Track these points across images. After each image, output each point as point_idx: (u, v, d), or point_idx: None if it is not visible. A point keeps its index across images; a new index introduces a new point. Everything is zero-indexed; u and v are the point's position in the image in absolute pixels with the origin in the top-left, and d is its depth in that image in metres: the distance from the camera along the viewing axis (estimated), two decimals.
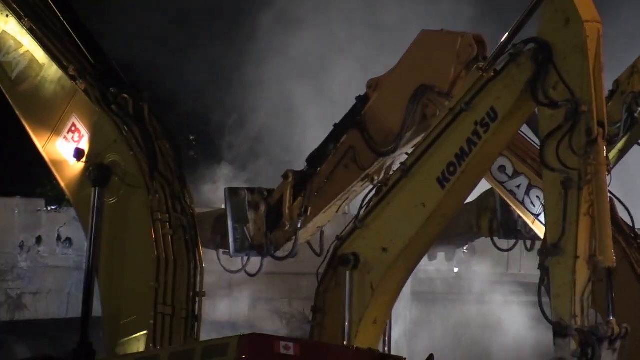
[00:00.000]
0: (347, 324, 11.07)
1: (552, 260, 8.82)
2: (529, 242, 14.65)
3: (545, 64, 8.94)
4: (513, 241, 14.93)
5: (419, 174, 10.66)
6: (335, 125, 13.60)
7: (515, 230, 14.45)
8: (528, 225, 13.78)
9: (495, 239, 15.21)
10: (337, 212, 14.55)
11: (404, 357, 11.72)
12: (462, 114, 9.91)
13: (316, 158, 13.86)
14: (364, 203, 11.79)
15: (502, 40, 9.95)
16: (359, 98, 13.44)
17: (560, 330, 8.48)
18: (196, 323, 12.51)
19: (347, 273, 11.24)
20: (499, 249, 15.23)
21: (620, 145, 13.22)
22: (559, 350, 8.45)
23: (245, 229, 13.64)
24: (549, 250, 8.90)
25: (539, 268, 9.12)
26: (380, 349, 12.46)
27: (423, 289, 22.06)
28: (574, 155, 8.72)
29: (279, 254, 14.04)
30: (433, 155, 10.52)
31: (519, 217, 13.90)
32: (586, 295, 8.55)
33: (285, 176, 13.97)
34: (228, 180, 25.91)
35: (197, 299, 12.74)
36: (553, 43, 8.88)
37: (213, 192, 23.44)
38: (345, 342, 10.94)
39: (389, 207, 11.00)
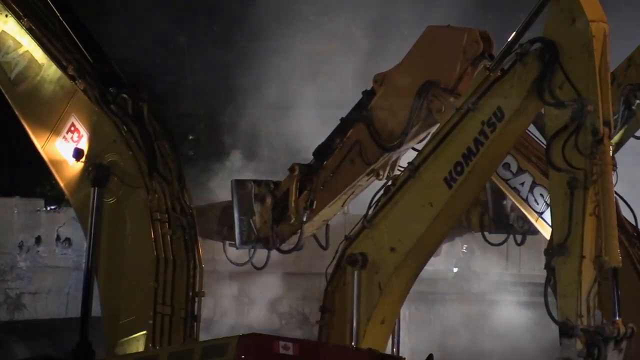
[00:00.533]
0: (355, 324, 11.07)
1: (558, 260, 8.82)
2: (519, 237, 14.60)
3: (551, 64, 8.93)
4: (505, 236, 14.86)
5: (427, 173, 10.68)
6: (341, 119, 13.59)
7: (507, 224, 14.39)
8: (520, 220, 13.80)
9: (486, 233, 15.14)
10: (342, 206, 14.57)
11: (404, 357, 11.70)
12: (469, 114, 9.92)
13: (322, 152, 13.85)
14: (372, 202, 11.82)
15: (508, 40, 9.95)
16: (365, 92, 13.44)
17: (566, 330, 8.48)
18: (195, 323, 12.51)
19: (355, 273, 11.25)
20: (490, 243, 15.18)
21: (616, 138, 13.21)
22: (564, 350, 8.44)
23: (251, 221, 13.62)
24: (555, 250, 8.90)
25: (545, 268, 9.12)
26: (389, 349, 12.43)
27: (422, 288, 22.00)
28: (580, 155, 8.72)
29: (284, 247, 14.03)
30: (440, 155, 10.54)
31: (511, 211, 13.89)
32: (592, 295, 8.54)
33: (291, 169, 13.97)
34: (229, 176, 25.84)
35: (197, 298, 12.73)
36: (559, 43, 8.87)
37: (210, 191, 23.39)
38: (353, 342, 10.94)
39: (396, 206, 11.01)
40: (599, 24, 8.68)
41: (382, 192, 11.93)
